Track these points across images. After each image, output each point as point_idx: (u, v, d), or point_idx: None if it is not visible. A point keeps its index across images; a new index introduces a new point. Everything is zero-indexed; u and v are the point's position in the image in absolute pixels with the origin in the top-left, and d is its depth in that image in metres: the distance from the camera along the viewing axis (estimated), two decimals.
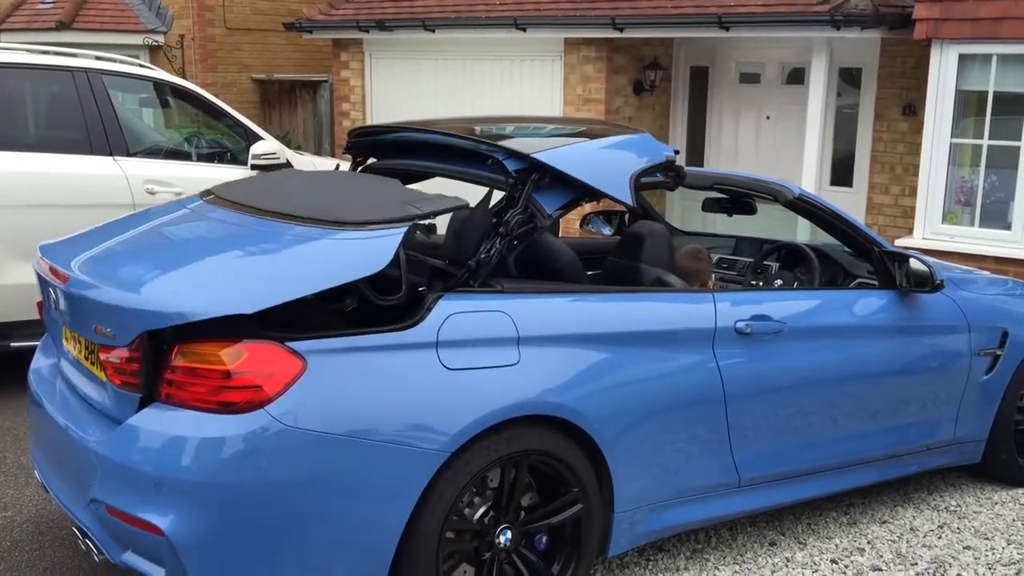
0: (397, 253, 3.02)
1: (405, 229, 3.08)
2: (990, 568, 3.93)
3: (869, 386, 4.06)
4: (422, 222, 3.43)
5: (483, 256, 3.26)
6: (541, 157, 3.40)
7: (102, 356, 3.01)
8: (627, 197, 3.52)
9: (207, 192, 3.71)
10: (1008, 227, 7.71)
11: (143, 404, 2.90)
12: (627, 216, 5.37)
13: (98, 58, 6.30)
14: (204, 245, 3.28)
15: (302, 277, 2.89)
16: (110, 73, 6.09)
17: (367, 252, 2.97)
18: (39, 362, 3.67)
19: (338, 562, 2.91)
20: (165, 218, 3.59)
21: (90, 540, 2.96)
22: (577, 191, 3.50)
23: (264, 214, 3.28)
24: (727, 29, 8.66)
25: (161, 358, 2.89)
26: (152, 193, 5.88)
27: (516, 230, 3.33)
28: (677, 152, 3.86)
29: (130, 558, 2.86)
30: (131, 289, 2.92)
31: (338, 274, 2.92)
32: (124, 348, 2.89)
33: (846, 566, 3.89)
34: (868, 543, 4.11)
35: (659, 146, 3.77)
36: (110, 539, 2.89)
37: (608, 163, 3.61)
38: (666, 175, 3.78)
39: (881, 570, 3.87)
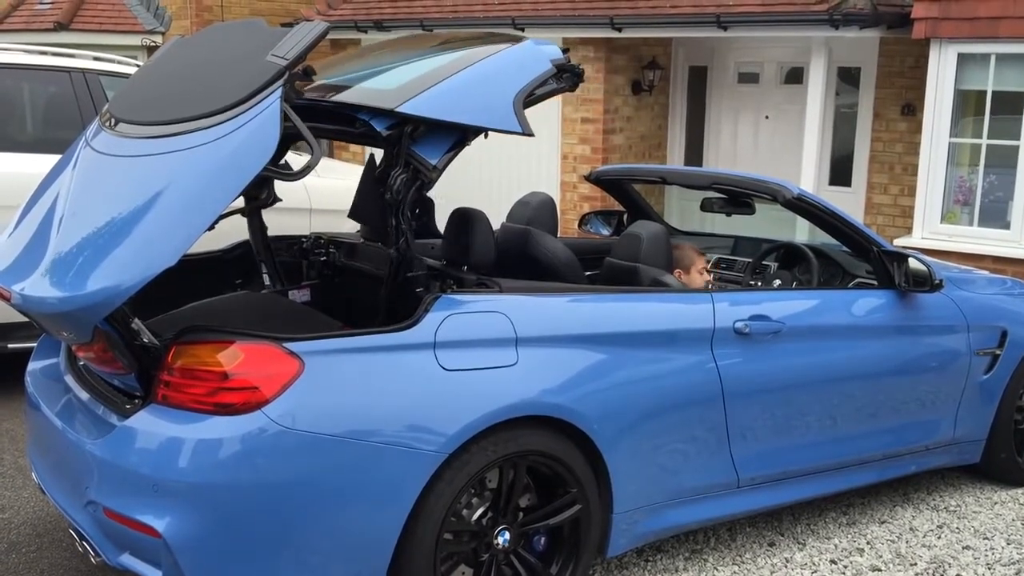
0: (284, 114, 2.85)
1: (280, 90, 2.87)
2: (990, 568, 3.92)
3: (868, 386, 4.06)
4: (300, 68, 3.07)
5: (402, 242, 3.16)
6: (406, 110, 3.10)
7: (81, 354, 3.00)
8: (515, 126, 3.23)
9: (104, 112, 3.34)
10: (1007, 226, 7.71)
11: (142, 378, 2.91)
12: (626, 216, 5.37)
13: (96, 58, 6.29)
14: (108, 202, 2.91)
15: (205, 200, 2.74)
16: (108, 73, 6.08)
17: (254, 137, 2.80)
18: (36, 363, 3.66)
19: (335, 563, 2.90)
20: (68, 175, 3.18)
21: (87, 542, 2.95)
22: (459, 132, 3.25)
23: (149, 128, 3.00)
24: (725, 29, 8.66)
25: (158, 360, 2.89)
26: None
27: (403, 191, 3.17)
28: (567, 50, 3.51)
29: (127, 560, 2.85)
30: (64, 289, 2.67)
31: (240, 177, 2.78)
32: (91, 343, 2.88)
33: (845, 566, 3.88)
34: (867, 543, 4.10)
35: (542, 53, 3.43)
36: (107, 541, 2.88)
37: (485, 93, 3.26)
38: (560, 80, 3.45)
39: (880, 570, 3.87)
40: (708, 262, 4.21)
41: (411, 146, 3.19)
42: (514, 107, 3.23)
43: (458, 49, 3.58)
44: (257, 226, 4.13)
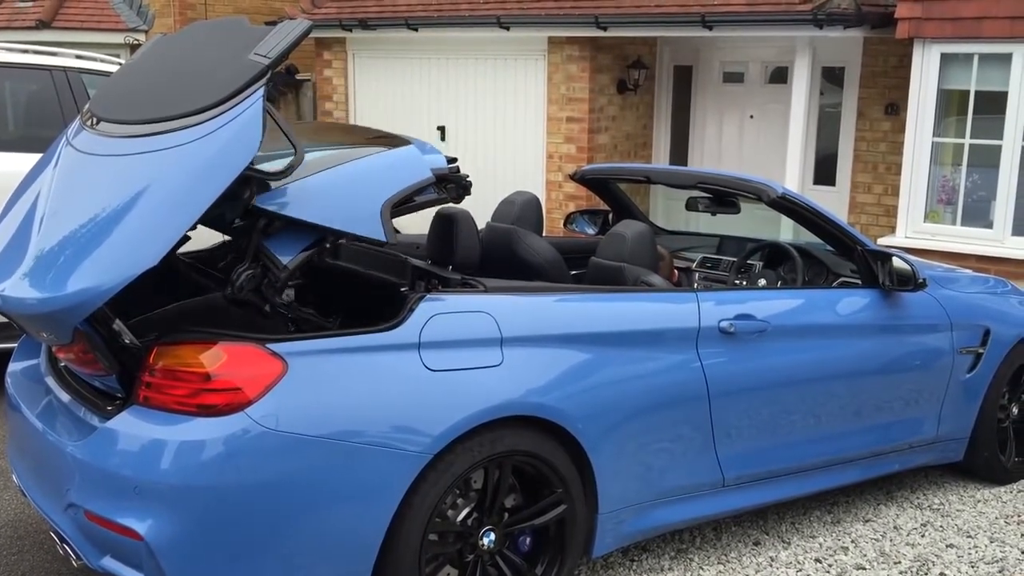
0: (266, 111, 2.81)
1: (263, 89, 2.82)
2: (973, 566, 3.94)
3: (852, 385, 4.07)
4: (281, 66, 2.95)
5: (300, 321, 3.13)
6: (258, 202, 2.95)
7: (61, 355, 2.98)
8: (378, 233, 3.07)
9: (85, 111, 3.26)
10: (989, 225, 7.76)
11: (124, 380, 2.89)
12: (611, 216, 5.37)
13: (78, 57, 6.24)
14: (89, 202, 2.84)
15: (187, 200, 2.70)
16: (90, 72, 6.04)
17: (237, 136, 2.75)
18: (17, 364, 3.63)
19: (320, 565, 2.88)
20: (49, 174, 3.11)
21: (68, 545, 2.93)
22: (318, 231, 3.10)
23: (130, 126, 2.94)
24: (710, 28, 8.67)
25: (140, 360, 2.87)
26: None
27: (248, 287, 3.03)
28: (454, 160, 3.39)
29: (109, 563, 2.82)
30: (44, 290, 2.64)
31: (222, 177, 2.73)
32: (72, 345, 2.86)
33: (830, 565, 3.89)
34: (852, 542, 4.12)
35: (423, 161, 3.30)
36: (88, 544, 2.86)
37: (350, 195, 3.09)
38: (442, 190, 3.37)
39: (865, 569, 3.88)
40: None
41: (263, 240, 3.06)
42: (380, 213, 3.07)
43: (337, 147, 3.43)
44: None
